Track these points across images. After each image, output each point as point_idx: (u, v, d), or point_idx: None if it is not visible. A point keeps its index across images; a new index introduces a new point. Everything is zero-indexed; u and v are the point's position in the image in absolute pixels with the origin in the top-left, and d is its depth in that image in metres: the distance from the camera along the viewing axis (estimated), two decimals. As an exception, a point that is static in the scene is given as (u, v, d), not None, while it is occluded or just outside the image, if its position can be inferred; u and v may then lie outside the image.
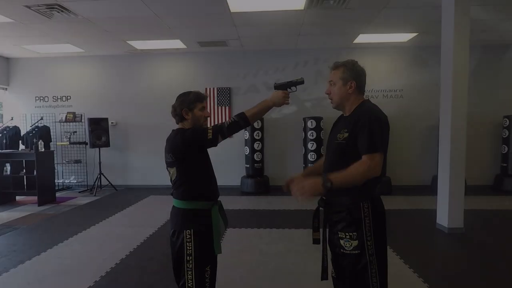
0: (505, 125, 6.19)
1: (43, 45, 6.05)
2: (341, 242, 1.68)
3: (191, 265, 1.74)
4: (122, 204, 5.52)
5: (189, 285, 1.74)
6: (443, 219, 4.00)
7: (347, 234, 1.66)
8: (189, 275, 1.74)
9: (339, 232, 1.69)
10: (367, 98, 1.76)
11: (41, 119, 6.71)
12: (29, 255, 3.37)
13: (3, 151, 5.98)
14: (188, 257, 1.74)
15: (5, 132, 6.39)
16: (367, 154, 1.59)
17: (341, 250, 1.68)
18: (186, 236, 1.75)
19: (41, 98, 7.09)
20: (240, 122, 1.75)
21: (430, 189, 6.19)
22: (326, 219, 1.79)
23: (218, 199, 1.94)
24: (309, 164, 6.25)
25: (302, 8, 4.40)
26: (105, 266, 3.08)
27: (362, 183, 1.64)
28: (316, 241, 1.84)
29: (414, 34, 5.76)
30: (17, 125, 6.67)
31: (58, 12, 4.36)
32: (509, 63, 6.50)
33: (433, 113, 6.15)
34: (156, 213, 4.92)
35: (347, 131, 1.65)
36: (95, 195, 6.28)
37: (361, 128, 1.61)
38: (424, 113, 6.55)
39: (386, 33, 5.67)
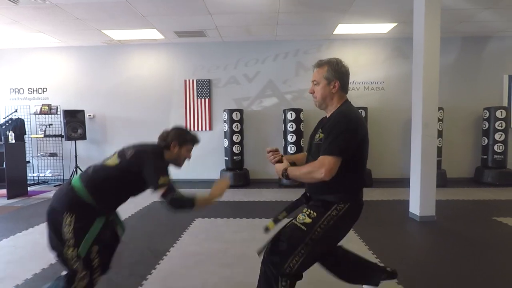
0: (485, 117, 6.15)
1: (15, 34, 5.88)
2: (299, 215, 1.70)
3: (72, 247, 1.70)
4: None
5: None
6: (415, 207, 3.94)
7: (308, 210, 1.68)
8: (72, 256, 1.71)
9: (305, 208, 1.72)
10: (347, 99, 1.76)
11: (15, 111, 6.54)
12: (-18, 244, 3.24)
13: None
14: (68, 242, 1.70)
15: (-23, 124, 6.22)
16: (322, 155, 1.59)
17: (294, 220, 1.71)
18: (67, 219, 1.70)
19: (16, 90, 6.92)
20: (187, 204, 1.75)
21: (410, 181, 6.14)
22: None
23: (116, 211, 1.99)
24: (289, 157, 6.16)
25: (275, -6, 4.31)
26: (59, 254, 2.96)
27: (347, 185, 1.66)
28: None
29: (394, 25, 5.69)
30: (-9, 118, 6.51)
31: (23, -4, 4.23)
32: (490, 55, 6.47)
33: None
34: (128, 209, 4.77)
35: (322, 131, 1.68)
36: (70, 189, 6.12)
37: (328, 129, 1.64)
38: (406, 105, 6.44)
39: (365, 23, 5.60)
